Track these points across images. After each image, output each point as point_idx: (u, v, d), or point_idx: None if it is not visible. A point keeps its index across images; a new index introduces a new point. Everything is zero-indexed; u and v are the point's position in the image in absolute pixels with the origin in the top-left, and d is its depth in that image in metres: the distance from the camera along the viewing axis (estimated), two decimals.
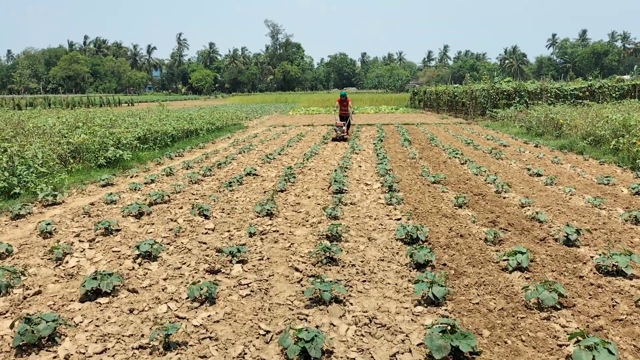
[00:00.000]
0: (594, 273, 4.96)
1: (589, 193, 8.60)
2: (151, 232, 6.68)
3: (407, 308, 4.36)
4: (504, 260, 5.23)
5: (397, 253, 5.77)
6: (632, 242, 5.87)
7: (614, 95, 24.99)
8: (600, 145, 13.70)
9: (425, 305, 4.37)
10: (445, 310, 4.28)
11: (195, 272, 5.26)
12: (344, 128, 18.10)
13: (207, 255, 5.74)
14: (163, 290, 4.85)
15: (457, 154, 13.40)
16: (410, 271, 5.19)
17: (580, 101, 24.89)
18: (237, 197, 8.79)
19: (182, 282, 5.02)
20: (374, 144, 16.73)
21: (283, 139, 19.24)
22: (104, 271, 4.86)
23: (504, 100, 26.05)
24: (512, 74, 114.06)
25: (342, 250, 5.58)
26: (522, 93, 25.61)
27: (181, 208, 8.00)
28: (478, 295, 4.53)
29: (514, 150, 14.76)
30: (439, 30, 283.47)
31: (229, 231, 6.72)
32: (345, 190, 9.22)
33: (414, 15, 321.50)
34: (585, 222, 6.76)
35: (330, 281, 4.57)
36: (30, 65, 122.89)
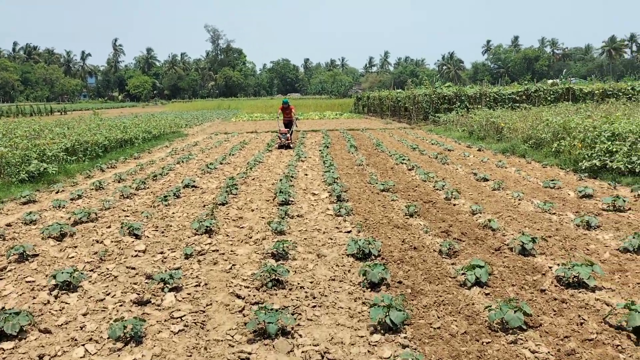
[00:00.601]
0: (556, 286, 4.69)
1: (537, 197, 8.50)
2: (73, 257, 5.93)
3: (362, 337, 3.91)
4: (462, 274, 4.88)
5: (349, 271, 5.32)
6: (588, 249, 5.69)
7: (549, 98, 25.83)
8: (541, 148, 13.88)
9: (382, 332, 3.93)
10: (405, 337, 3.85)
11: (121, 305, 4.60)
12: (289, 135, 17.59)
13: (136, 283, 5.08)
14: (81, 328, 4.18)
15: (404, 159, 13.19)
16: (364, 291, 4.75)
17: (518, 105, 25.53)
18: (173, 213, 8.11)
19: (104, 318, 4.36)
20: (319, 150, 16.33)
21: (225, 147, 18.52)
22: (10, 309, 4.15)
23: (446, 105, 26.38)
24: (450, 79, 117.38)
25: (289, 270, 5.07)
26: (463, 97, 26.02)
27: (109, 227, 7.24)
28: (438, 317, 4.14)
29: (459, 154, 14.74)
30: (379, 36, 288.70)
31: (162, 253, 6.06)
32: (292, 201, 8.72)
33: (355, 22, 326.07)
34: (538, 229, 6.57)
35: (276, 310, 4.06)
36: None
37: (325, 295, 4.68)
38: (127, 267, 5.53)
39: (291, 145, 17.66)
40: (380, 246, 5.78)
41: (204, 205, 8.61)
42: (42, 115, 58.17)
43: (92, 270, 5.49)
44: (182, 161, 14.30)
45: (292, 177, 11.22)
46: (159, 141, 20.72)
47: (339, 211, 7.67)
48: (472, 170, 11.54)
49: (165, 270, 5.37)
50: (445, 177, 10.73)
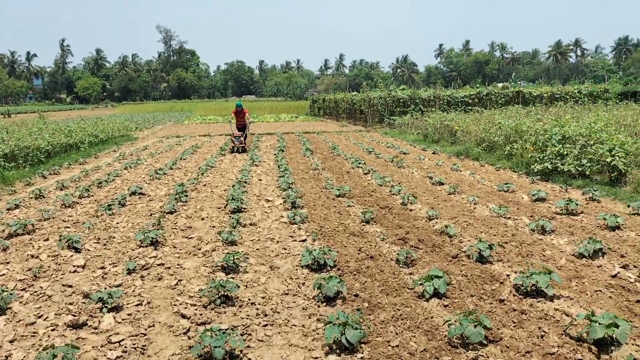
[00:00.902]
0: (514, 295, 4.58)
1: (491, 201, 8.49)
2: (4, 275, 5.41)
3: (317, 358, 3.65)
4: (420, 284, 4.70)
5: (304, 284, 5.06)
6: (544, 255, 5.63)
7: (500, 101, 26.40)
8: (494, 150, 14.04)
9: (338, 352, 3.69)
10: (362, 358, 3.62)
11: (53, 329, 4.17)
12: (242, 139, 17.16)
13: (72, 303, 4.65)
14: (7, 358, 3.74)
15: (360, 163, 13.05)
16: (319, 306, 4.50)
17: (470, 108, 25.97)
18: (117, 223, 7.63)
19: (34, 345, 3.94)
20: (274, 154, 16.02)
21: (176, 152, 17.93)
22: None
23: (400, 108, 26.55)
24: (404, 82, 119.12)
25: (239, 286, 4.76)
26: (417, 100, 26.26)
27: (47, 240, 6.72)
28: (397, 334, 3.93)
29: (414, 157, 14.75)
30: (334, 39, 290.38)
31: (103, 268, 5.62)
32: (244, 208, 8.39)
33: (310, 24, 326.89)
34: (494, 235, 6.50)
35: (224, 331, 3.75)
36: None
37: (278, 312, 4.40)
38: (63, 285, 5.08)
39: (245, 150, 17.25)
40: (336, 256, 5.55)
41: (151, 214, 8.16)
42: None
43: (24, 289, 5.01)
44: (130, 166, 13.69)
45: (245, 182, 10.87)
46: (106, 145, 19.89)
47: (294, 219, 7.40)
48: (427, 174, 11.50)
49: (105, 288, 4.96)
50: (401, 182, 10.64)
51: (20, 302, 4.70)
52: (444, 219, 7.41)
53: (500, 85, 35.69)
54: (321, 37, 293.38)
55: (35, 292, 4.93)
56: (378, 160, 14.31)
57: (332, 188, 9.96)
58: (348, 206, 8.46)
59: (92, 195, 9.89)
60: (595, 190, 8.42)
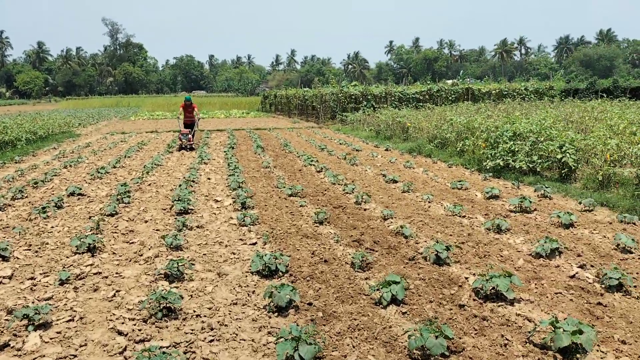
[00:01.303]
0: (474, 299, 4.42)
1: (446, 199, 8.41)
2: None
3: None
4: (377, 290, 4.48)
5: (254, 292, 4.74)
6: (502, 256, 5.53)
7: (450, 98, 26.78)
8: (446, 147, 14.09)
9: None
10: None
11: None
12: (190, 136, 16.46)
13: None
14: None
15: (312, 161, 12.79)
16: (271, 317, 4.20)
17: (422, 104, 26.20)
18: (52, 227, 7.05)
19: None
20: (224, 152, 15.53)
21: (121, 149, 17.12)
22: None
23: (353, 104, 26.49)
24: (356, 78, 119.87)
25: (182, 296, 4.40)
26: (369, 97, 26.27)
27: None
28: (354, 347, 3.68)
29: (367, 155, 14.63)
30: (285, 34, 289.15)
31: (32, 278, 5.11)
32: (192, 209, 7.96)
33: (262, 19, 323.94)
34: (451, 235, 6.38)
35: (164, 350, 3.40)
36: None
37: (226, 325, 4.07)
38: None
39: (193, 147, 16.61)
40: (288, 261, 5.26)
41: (90, 217, 7.61)
42: None
43: None
44: (70, 165, 12.91)
45: (193, 181, 10.41)
46: (45, 142, 18.79)
47: (244, 220, 7.05)
48: (381, 171, 11.37)
49: (33, 302, 4.49)
50: (354, 180, 10.45)
51: None
52: (399, 218, 7.24)
53: (449, 82, 36.32)
54: (273, 32, 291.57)
55: None
56: (331, 158, 14.09)
57: (284, 187, 9.65)
58: (301, 206, 8.17)
59: (26, 197, 9.19)
60: (547, 187, 8.48)
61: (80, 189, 9.40)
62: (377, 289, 4.48)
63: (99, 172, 11.34)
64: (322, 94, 28.23)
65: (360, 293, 4.61)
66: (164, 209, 8.15)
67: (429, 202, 8.26)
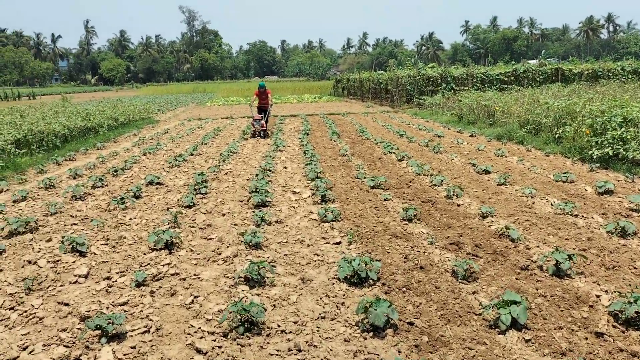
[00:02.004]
0: (613, 326, 3.63)
1: (551, 194, 7.46)
2: None
3: None
4: (492, 308, 3.78)
5: (343, 304, 4.19)
6: (635, 268, 4.64)
7: (537, 79, 24.91)
8: (539, 133, 12.88)
9: None
10: None
11: None
12: (263, 122, 15.84)
13: (65, 329, 3.86)
14: None
15: (392, 148, 12.06)
16: (366, 338, 3.63)
17: (506, 86, 24.59)
18: (130, 219, 6.85)
19: None
20: (299, 138, 15.11)
21: (197, 135, 17.15)
22: None
23: (431, 87, 25.29)
24: (429, 60, 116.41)
25: (265, 309, 3.93)
26: (449, 79, 24.96)
27: (50, 241, 5.97)
28: None
29: (451, 141, 13.68)
30: (357, 17, 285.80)
31: (108, 278, 4.83)
32: (269, 202, 7.53)
33: (333, 2, 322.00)
34: (566, 239, 5.51)
35: None
36: None
37: (315, 346, 3.54)
38: (58, 303, 4.30)
39: (267, 134, 16.15)
40: (379, 267, 4.65)
41: (168, 209, 7.36)
42: (9, 100, 55.53)
43: (12, 307, 4.25)
44: (149, 152, 12.95)
45: (269, 170, 10.03)
46: (126, 129, 19.23)
47: (325, 216, 6.51)
48: (469, 160, 10.48)
49: (108, 307, 4.18)
50: (441, 170, 9.65)
51: (6, 326, 3.94)
52: (499, 216, 6.43)
53: (532, 62, 34.01)
54: (344, 15, 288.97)
55: (25, 312, 4.16)
56: (412, 145, 13.28)
57: (365, 177, 9.04)
58: (385, 200, 7.52)
59: (106, 185, 9.16)
60: None
61: (158, 177, 9.26)
62: (492, 308, 3.78)
63: (176, 160, 11.23)
64: (398, 76, 27.19)
65: (470, 312, 3.93)
66: (241, 201, 7.78)
67: (532, 197, 7.35)
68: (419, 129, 16.87)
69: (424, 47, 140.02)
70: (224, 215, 7.00)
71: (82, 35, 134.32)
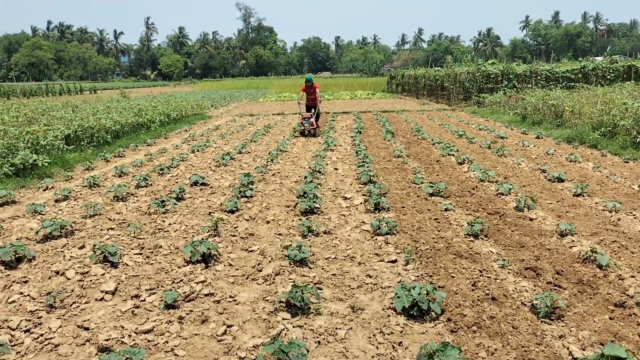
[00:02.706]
0: None
1: (638, 209, 6.48)
2: (14, 303, 4.29)
3: None
4: None
5: (400, 343, 3.52)
6: None
7: (608, 77, 23.12)
8: (615, 137, 11.66)
9: None
10: None
11: None
12: (312, 120, 14.97)
13: None
14: None
15: (451, 149, 11.20)
16: None
17: (573, 84, 22.98)
18: (169, 224, 6.42)
19: None
20: (351, 137, 14.44)
21: (248, 132, 16.79)
22: None
23: (491, 84, 23.97)
24: (487, 56, 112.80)
25: (308, 350, 3.31)
26: (510, 76, 23.55)
27: (82, 248, 5.59)
28: None
29: (516, 143, 12.65)
30: (412, 13, 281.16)
31: (137, 296, 4.36)
32: (317, 208, 6.93)
33: None
34: None
35: None
36: None
37: None
38: (78, 327, 3.85)
39: (316, 133, 15.30)
40: (443, 297, 3.95)
41: (210, 213, 6.90)
42: (72, 94, 57.69)
43: (28, 330, 3.82)
44: (198, 149, 12.64)
45: (318, 172, 9.44)
46: (178, 124, 19.13)
47: (379, 228, 5.84)
48: (538, 165, 9.52)
49: (130, 335, 3.69)
50: (507, 176, 8.75)
51: (18, 352, 3.51)
52: (581, 235, 5.56)
53: (598, 59, 31.83)
54: (399, 11, 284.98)
55: (41, 335, 3.72)
56: (472, 146, 12.35)
57: (422, 183, 8.30)
58: (446, 210, 6.77)
59: (150, 185, 8.83)
60: None
61: (203, 178, 8.83)
62: None
63: (223, 159, 10.82)
64: (456, 73, 25.98)
65: None
66: (288, 206, 7.22)
67: (616, 211, 6.40)
68: (479, 129, 15.84)
69: (481, 44, 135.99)
70: (268, 222, 6.45)
71: (143, 31, 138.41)
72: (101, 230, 6.25)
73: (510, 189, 7.45)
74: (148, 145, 14.33)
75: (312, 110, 15.51)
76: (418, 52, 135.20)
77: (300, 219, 6.46)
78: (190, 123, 20.11)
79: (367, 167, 9.38)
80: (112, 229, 6.31)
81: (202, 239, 5.36)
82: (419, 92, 35.71)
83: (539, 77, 23.12)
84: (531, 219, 6.26)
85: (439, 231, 5.90)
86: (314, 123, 15.05)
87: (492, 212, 6.61)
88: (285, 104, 30.93)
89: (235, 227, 6.25)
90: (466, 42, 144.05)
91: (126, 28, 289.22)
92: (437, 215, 6.50)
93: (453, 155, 10.94)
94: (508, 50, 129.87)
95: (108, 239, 5.88)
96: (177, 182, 9.02)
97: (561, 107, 15.18)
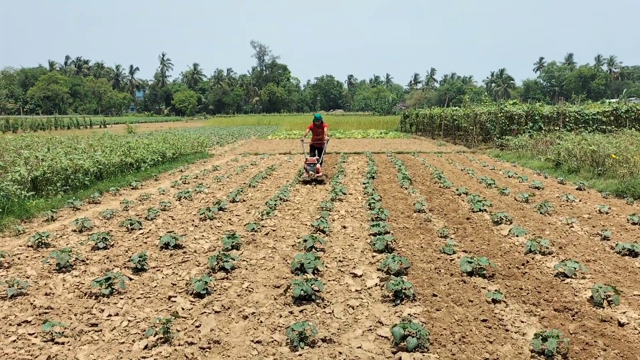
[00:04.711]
0: None
1: None
2: None
3: None
4: None
5: None
6: None
7: None
8: None
9: None
10: None
11: None
12: (318, 166, 12.88)
13: None
14: None
15: (482, 203, 9.34)
16: None
17: (604, 127, 21.19)
18: (107, 317, 4.60)
19: None
20: (363, 184, 12.64)
21: (248, 174, 15.08)
22: None
23: (514, 126, 22.22)
24: (500, 97, 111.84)
25: None
26: (536, 117, 21.81)
27: None
28: None
29: (557, 196, 10.77)
30: (424, 53, 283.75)
31: None
32: (317, 293, 5.08)
33: (401, 38, 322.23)
34: None
35: None
36: (7, 85, 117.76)
37: None
38: None
39: (322, 180, 13.11)
40: None
41: (170, 298, 5.08)
42: (81, 128, 56.97)
43: None
44: (185, 197, 10.88)
45: (322, 232, 7.64)
46: (175, 164, 17.51)
47: (403, 338, 3.97)
48: (595, 229, 7.66)
49: None
50: (562, 244, 6.86)
51: None
52: None
53: (613, 101, 30.05)
54: (412, 51, 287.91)
55: None
56: (505, 199, 10.49)
57: (454, 252, 6.46)
58: (494, 301, 4.88)
59: (110, 246, 7.05)
60: None
61: (176, 239, 7.02)
62: None
63: (209, 211, 9.01)
64: (476, 113, 24.31)
65: None
66: (278, 287, 5.38)
67: None
68: (508, 176, 13.99)
69: (493, 84, 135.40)
70: (245, 318, 4.60)
71: (159, 67, 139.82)
72: (10, 326, 4.44)
73: (575, 270, 5.56)
74: (133, 188, 12.64)
75: (317, 153, 13.55)
76: (431, 91, 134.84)
77: (291, 312, 4.63)
78: (189, 162, 18.49)
79: (383, 226, 7.55)
80: (26, 322, 4.50)
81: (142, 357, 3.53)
82: (435, 132, 34.12)
83: (567, 119, 21.35)
84: (621, 324, 4.36)
85: (491, 342, 4.02)
86: (320, 169, 13.02)
87: (560, 307, 4.71)
88: (294, 142, 29.39)
89: (197, 327, 4.41)
90: (479, 83, 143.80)
91: (142, 64, 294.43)
92: (485, 313, 4.62)
93: (486, 211, 9.10)
94: (521, 91, 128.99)
95: (16, 341, 4.07)
96: (145, 243, 7.24)
97: (602, 153, 13.34)
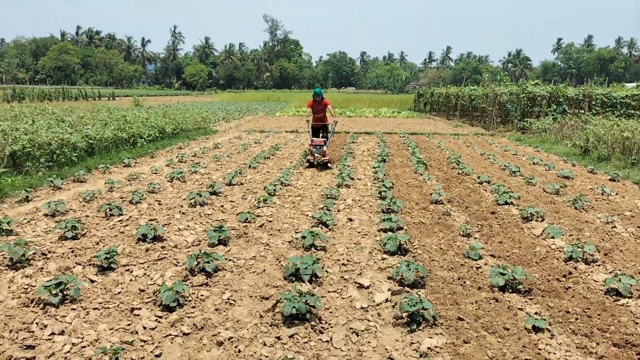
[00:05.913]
0: None
1: None
2: None
3: None
4: None
5: None
6: None
7: None
8: None
9: None
10: None
11: None
12: (325, 148, 11.48)
13: None
14: None
15: (507, 195, 8.25)
16: None
17: (632, 111, 19.83)
18: (49, 338, 3.66)
19: None
20: (373, 168, 11.59)
21: (250, 154, 14.07)
22: None
23: (537, 108, 20.93)
24: (516, 77, 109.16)
25: None
26: (560, 100, 20.49)
27: None
28: None
29: (589, 188, 9.67)
30: (440, 31, 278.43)
31: None
32: (312, 310, 4.10)
33: (416, 15, 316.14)
34: None
35: None
36: (19, 55, 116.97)
37: None
38: None
39: (328, 165, 11.67)
40: None
41: (133, 310, 4.13)
42: (89, 99, 56.05)
43: None
44: (177, 177, 9.90)
45: (325, 224, 6.65)
46: (174, 140, 16.51)
47: None
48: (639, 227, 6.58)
49: None
50: (609, 251, 5.80)
51: None
52: None
53: (630, 85, 28.46)
54: (427, 29, 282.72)
55: None
56: (533, 190, 9.40)
57: (480, 258, 5.44)
58: (535, 329, 3.87)
59: (81, 236, 6.12)
60: None
61: (156, 230, 6.06)
62: None
63: (201, 196, 8.02)
64: (496, 93, 23.00)
65: None
66: (266, 298, 4.42)
67: None
68: (533, 163, 12.86)
69: (510, 64, 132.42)
70: (220, 345, 3.63)
71: (170, 40, 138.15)
72: None
73: (632, 285, 4.52)
74: (125, 166, 11.69)
75: (323, 133, 12.15)
76: (445, 70, 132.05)
77: (279, 337, 3.67)
78: (190, 139, 17.49)
79: (395, 220, 6.54)
80: None
81: None
82: (450, 112, 32.80)
83: (593, 102, 20.01)
84: None
85: None
86: (326, 152, 11.60)
87: (620, 342, 3.70)
88: (302, 120, 28.20)
89: (156, 357, 3.45)
90: (495, 62, 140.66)
91: (154, 36, 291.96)
92: (526, 349, 3.61)
93: (512, 204, 8.04)
94: (538, 72, 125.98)
95: None
96: (122, 233, 6.29)
97: (637, 140, 12.15)
